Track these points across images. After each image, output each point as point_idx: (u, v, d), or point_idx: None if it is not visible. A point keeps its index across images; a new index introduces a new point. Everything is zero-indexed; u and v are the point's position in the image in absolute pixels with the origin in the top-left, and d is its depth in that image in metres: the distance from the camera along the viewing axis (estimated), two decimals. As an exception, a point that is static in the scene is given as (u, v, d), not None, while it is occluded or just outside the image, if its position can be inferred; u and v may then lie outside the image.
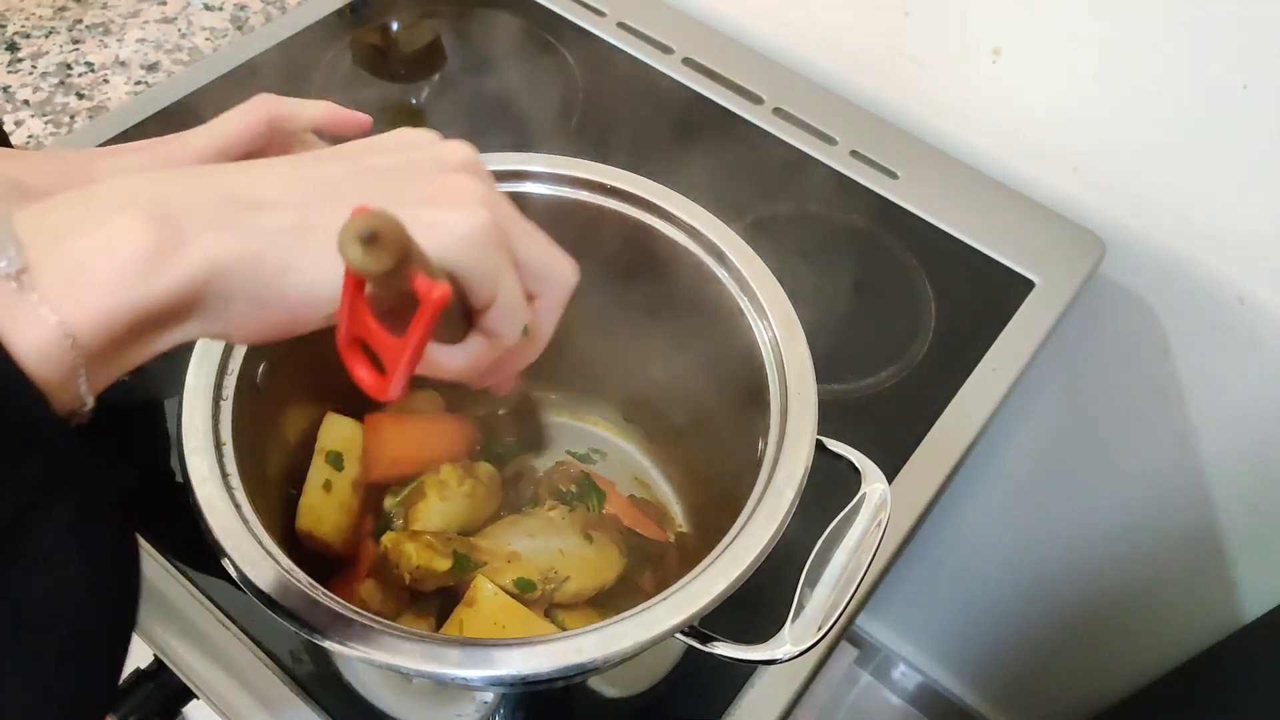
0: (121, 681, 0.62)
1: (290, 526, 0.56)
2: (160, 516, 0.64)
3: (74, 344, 0.27)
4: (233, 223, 0.30)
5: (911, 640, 1.53)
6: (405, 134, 0.39)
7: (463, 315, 0.36)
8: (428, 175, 0.36)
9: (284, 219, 0.31)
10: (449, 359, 0.36)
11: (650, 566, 0.60)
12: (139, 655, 0.61)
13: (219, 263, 0.29)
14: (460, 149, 0.38)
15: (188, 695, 0.61)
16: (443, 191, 0.35)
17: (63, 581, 0.28)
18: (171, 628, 0.60)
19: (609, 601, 0.58)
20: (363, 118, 0.54)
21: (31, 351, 0.26)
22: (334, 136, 0.53)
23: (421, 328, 0.30)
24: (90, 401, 0.29)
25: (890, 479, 0.69)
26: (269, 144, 0.50)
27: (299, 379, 0.55)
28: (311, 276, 0.31)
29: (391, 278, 0.28)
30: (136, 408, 0.69)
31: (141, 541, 0.62)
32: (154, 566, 0.62)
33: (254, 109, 0.49)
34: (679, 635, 0.43)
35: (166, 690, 0.61)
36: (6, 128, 0.86)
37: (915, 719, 1.55)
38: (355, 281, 0.29)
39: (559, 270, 0.39)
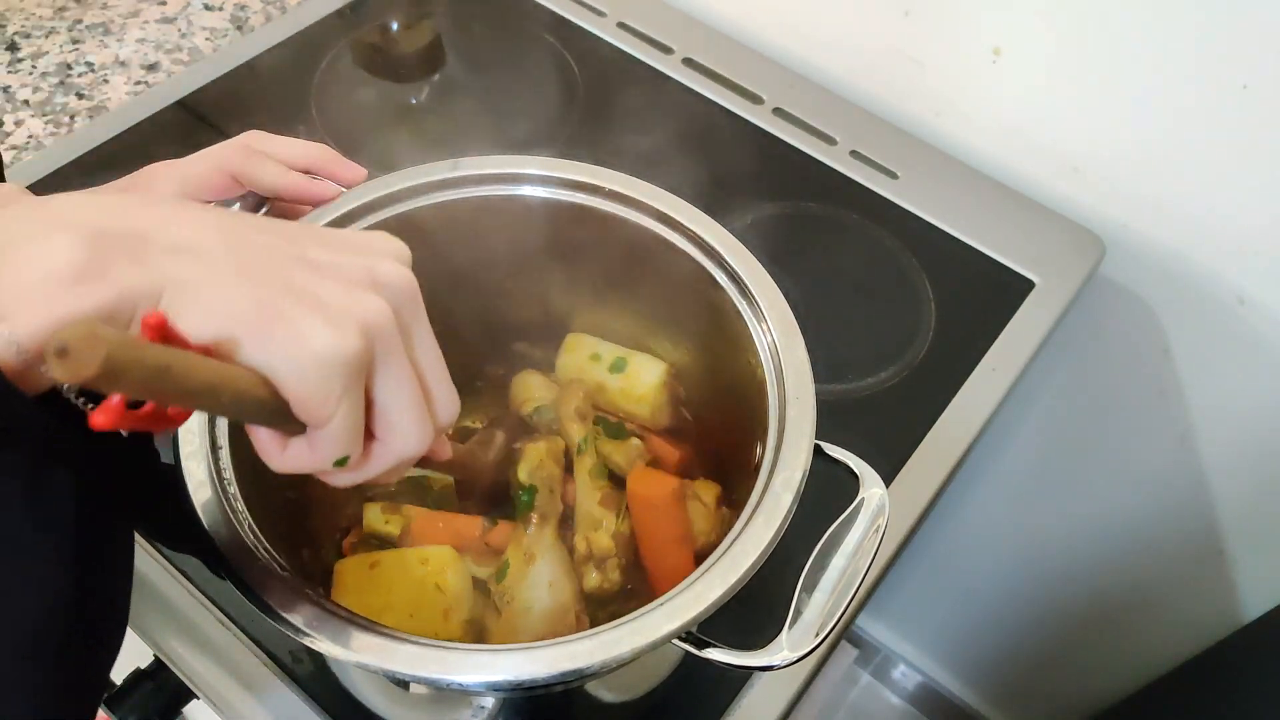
0: (121, 681, 0.62)
1: (288, 529, 0.56)
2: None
3: (18, 346, 0.30)
4: (149, 260, 0.32)
5: (911, 640, 1.53)
6: (366, 238, 0.39)
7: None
8: (343, 283, 0.36)
9: (190, 270, 0.33)
10: (271, 452, 0.38)
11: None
12: (139, 655, 0.61)
13: (126, 293, 0.31)
14: (399, 275, 0.38)
15: (188, 695, 0.61)
16: (339, 304, 0.35)
17: (12, 538, 0.30)
18: (171, 628, 0.60)
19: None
20: (332, 188, 0.53)
21: None
22: (298, 203, 0.53)
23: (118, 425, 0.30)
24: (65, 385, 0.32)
25: (889, 479, 0.70)
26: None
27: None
28: (184, 326, 0.32)
29: (98, 383, 0.28)
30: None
31: (140, 542, 0.63)
32: (153, 566, 0.62)
33: (223, 162, 0.51)
34: (675, 641, 0.43)
35: (166, 690, 0.61)
36: (7, 128, 0.86)
37: (915, 719, 1.55)
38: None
39: (406, 435, 0.38)
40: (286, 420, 0.35)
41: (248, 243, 0.35)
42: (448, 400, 0.40)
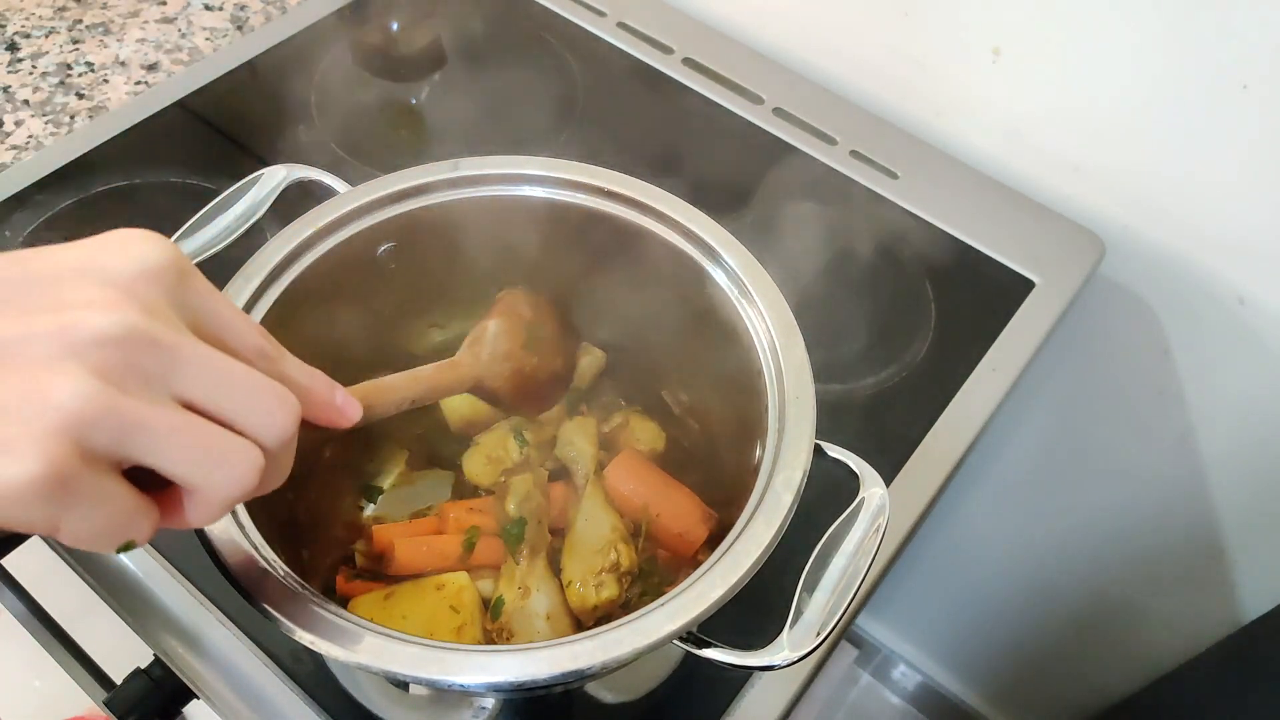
0: (121, 681, 0.62)
1: (288, 530, 0.56)
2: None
3: None
4: None
5: (911, 640, 1.53)
6: (63, 270, 0.30)
7: None
8: (25, 372, 0.28)
9: None
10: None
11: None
12: (139, 655, 0.61)
13: None
14: (107, 320, 0.28)
15: (188, 695, 0.61)
16: (16, 412, 0.27)
17: None
18: (171, 628, 0.60)
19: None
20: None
21: None
22: None
23: None
24: None
25: (890, 479, 0.70)
26: None
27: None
28: None
29: None
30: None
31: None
32: (153, 566, 0.62)
33: None
34: (676, 641, 0.43)
35: (166, 690, 0.61)
36: (7, 128, 0.86)
37: (915, 719, 1.55)
38: None
39: (212, 482, 0.31)
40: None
41: None
42: (265, 409, 0.32)
